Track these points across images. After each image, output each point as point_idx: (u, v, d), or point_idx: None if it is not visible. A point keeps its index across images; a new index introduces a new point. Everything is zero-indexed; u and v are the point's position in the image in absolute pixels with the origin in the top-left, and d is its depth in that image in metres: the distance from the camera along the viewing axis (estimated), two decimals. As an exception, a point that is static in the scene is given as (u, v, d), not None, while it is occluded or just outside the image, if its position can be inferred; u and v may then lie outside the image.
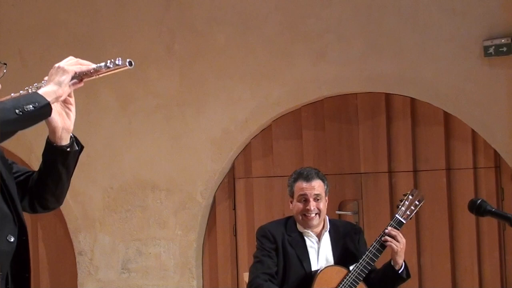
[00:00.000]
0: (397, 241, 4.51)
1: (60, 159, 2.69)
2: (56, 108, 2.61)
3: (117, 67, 2.60)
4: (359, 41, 6.41)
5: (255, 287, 4.56)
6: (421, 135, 6.35)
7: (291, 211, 4.75)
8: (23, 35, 7.21)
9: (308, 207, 4.62)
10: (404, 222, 4.60)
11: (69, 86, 2.60)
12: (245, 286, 4.95)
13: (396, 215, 4.61)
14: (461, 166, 6.25)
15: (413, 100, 6.34)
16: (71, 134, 2.71)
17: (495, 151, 6.14)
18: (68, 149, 2.68)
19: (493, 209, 3.43)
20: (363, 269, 4.51)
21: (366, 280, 4.58)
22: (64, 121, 2.66)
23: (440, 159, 6.28)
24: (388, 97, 6.42)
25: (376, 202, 6.43)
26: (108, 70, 2.61)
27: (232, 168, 6.89)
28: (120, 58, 2.59)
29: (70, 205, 7.15)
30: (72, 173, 2.77)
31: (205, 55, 6.84)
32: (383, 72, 6.34)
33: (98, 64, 2.63)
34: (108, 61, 2.61)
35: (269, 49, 6.66)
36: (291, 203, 4.73)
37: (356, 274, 4.50)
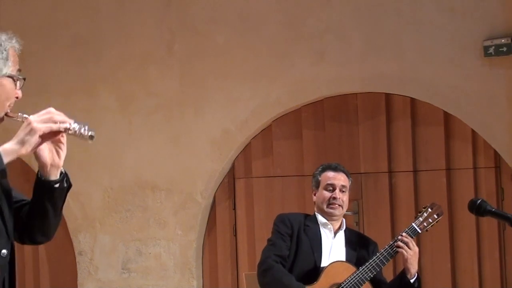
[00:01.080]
0: (409, 248, 4.53)
1: (47, 195, 2.64)
2: (46, 144, 2.57)
3: (81, 136, 2.57)
4: (359, 41, 6.41)
5: (265, 266, 4.60)
6: (421, 135, 6.35)
7: (314, 203, 4.79)
8: (23, 35, 7.19)
9: (334, 195, 4.69)
10: (420, 232, 4.64)
11: (33, 147, 2.50)
12: (245, 286, 4.96)
13: (413, 224, 4.65)
14: (461, 166, 6.25)
15: (413, 100, 6.34)
16: (63, 170, 2.66)
17: (495, 151, 6.14)
18: (56, 185, 2.63)
19: (493, 209, 3.43)
20: (372, 269, 4.54)
21: (373, 280, 4.60)
22: (53, 158, 2.61)
23: (440, 159, 6.28)
24: (388, 97, 6.42)
25: (376, 202, 6.43)
26: (74, 133, 2.56)
27: (232, 168, 6.89)
28: (86, 128, 2.57)
29: (70, 205, 7.14)
30: (60, 210, 2.71)
31: (205, 55, 6.84)
32: (383, 72, 6.34)
33: (70, 126, 2.56)
34: (82, 128, 2.56)
35: (269, 49, 6.66)
36: (314, 195, 4.78)
37: (363, 273, 4.53)
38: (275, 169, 6.68)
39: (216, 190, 6.90)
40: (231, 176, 6.89)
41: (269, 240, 4.76)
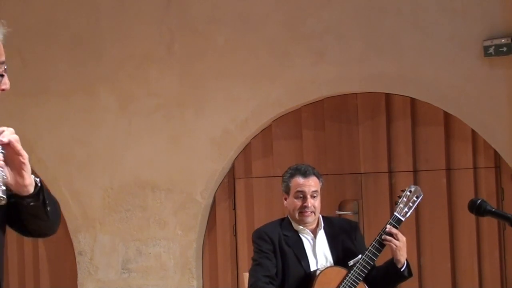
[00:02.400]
0: (397, 239, 4.49)
1: (25, 209, 2.48)
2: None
3: None
4: (359, 41, 6.41)
5: None
6: (421, 135, 6.35)
7: (286, 208, 4.71)
8: (23, 35, 7.20)
9: (305, 204, 4.58)
10: (403, 219, 4.55)
11: None
12: (245, 286, 4.95)
13: (395, 213, 4.57)
14: (461, 166, 6.25)
15: (413, 100, 6.34)
16: (38, 182, 2.47)
17: (495, 151, 6.14)
18: (30, 203, 2.46)
19: (493, 209, 3.43)
20: (363, 268, 4.48)
21: (366, 277, 4.57)
22: (15, 179, 2.42)
23: (440, 159, 6.28)
24: (388, 97, 6.42)
25: (376, 202, 6.43)
26: None
27: (232, 168, 6.88)
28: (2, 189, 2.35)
29: (70, 205, 7.15)
30: (47, 215, 2.52)
31: (205, 55, 6.84)
32: (383, 72, 6.34)
33: None
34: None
35: (269, 49, 6.66)
36: (286, 200, 4.68)
37: (356, 274, 4.48)
38: (275, 169, 6.68)
39: (216, 190, 6.90)
40: (231, 176, 6.89)
41: (253, 259, 4.66)
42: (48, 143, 7.22)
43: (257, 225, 6.66)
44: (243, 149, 6.84)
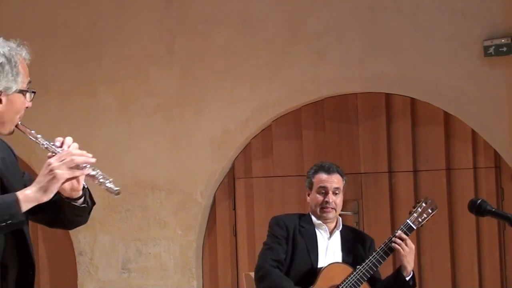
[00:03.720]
0: (406, 245, 4.52)
1: (70, 211, 2.66)
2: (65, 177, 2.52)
3: (107, 188, 2.54)
4: (359, 41, 6.41)
5: (263, 272, 4.57)
6: (421, 135, 6.35)
7: (308, 203, 4.77)
8: (23, 35, 7.19)
9: (327, 199, 4.66)
10: (414, 228, 4.63)
11: (54, 193, 2.46)
12: (245, 286, 4.95)
13: (407, 221, 4.62)
14: (461, 166, 6.25)
15: (413, 100, 6.34)
16: (85, 185, 2.64)
17: (495, 151, 6.14)
18: (77, 204, 2.64)
19: (493, 209, 3.43)
20: (368, 269, 4.52)
21: (371, 283, 4.59)
22: (72, 184, 2.58)
23: (440, 159, 6.28)
24: (388, 97, 6.42)
25: (376, 202, 6.43)
26: (99, 184, 2.52)
27: (232, 168, 6.88)
28: (112, 183, 2.55)
29: (70, 205, 7.15)
30: (88, 213, 2.72)
31: (205, 55, 6.84)
32: (383, 72, 6.34)
33: (96, 174, 2.53)
34: (107, 181, 2.54)
35: (269, 49, 6.66)
36: (308, 195, 4.75)
37: (360, 274, 4.51)
38: (275, 169, 6.68)
39: (216, 190, 6.90)
40: (231, 176, 6.89)
41: (265, 243, 4.72)
42: (48, 143, 7.21)
43: (257, 225, 6.69)
44: (243, 149, 6.84)
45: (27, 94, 2.69)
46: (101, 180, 2.53)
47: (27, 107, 2.70)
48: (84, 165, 2.51)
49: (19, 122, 2.67)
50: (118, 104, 7.10)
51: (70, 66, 7.18)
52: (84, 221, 2.79)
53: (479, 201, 3.44)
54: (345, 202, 6.50)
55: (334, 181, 4.70)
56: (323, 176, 4.70)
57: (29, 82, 2.71)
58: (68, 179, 2.49)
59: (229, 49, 6.77)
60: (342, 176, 4.76)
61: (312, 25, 6.54)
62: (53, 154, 2.54)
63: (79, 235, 7.19)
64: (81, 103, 7.14)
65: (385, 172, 6.40)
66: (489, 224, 6.13)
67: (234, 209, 6.86)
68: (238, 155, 6.85)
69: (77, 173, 2.50)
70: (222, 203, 6.90)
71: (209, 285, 6.96)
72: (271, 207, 6.63)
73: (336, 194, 4.69)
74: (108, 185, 2.53)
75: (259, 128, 6.76)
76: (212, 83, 6.82)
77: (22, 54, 2.73)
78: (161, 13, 6.96)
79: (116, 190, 2.55)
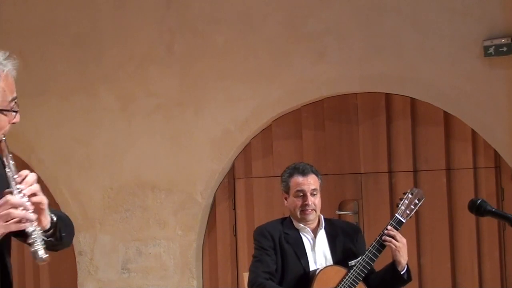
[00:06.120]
0: (397, 240, 4.50)
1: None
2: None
3: (34, 251, 2.44)
4: (359, 41, 6.41)
5: (256, 286, 4.55)
6: (421, 135, 6.35)
7: (287, 207, 4.73)
8: (23, 35, 7.21)
9: (306, 202, 4.61)
10: (404, 221, 4.59)
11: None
12: (245, 286, 4.95)
13: (396, 215, 4.59)
14: (461, 166, 6.25)
15: (413, 100, 6.34)
16: (54, 218, 2.59)
17: (495, 151, 6.14)
18: (48, 237, 2.58)
19: (493, 209, 3.42)
20: (363, 269, 4.50)
21: (365, 281, 4.57)
22: (39, 219, 2.51)
23: (440, 159, 6.28)
24: (388, 97, 6.42)
25: (376, 202, 6.43)
26: (29, 241, 2.43)
27: (232, 168, 6.88)
28: (41, 251, 2.44)
29: (70, 205, 7.15)
30: (61, 242, 2.68)
31: (205, 55, 6.84)
32: (383, 72, 6.34)
33: (32, 233, 2.43)
34: (38, 245, 2.43)
35: (269, 49, 6.66)
36: (286, 199, 4.70)
37: (355, 274, 4.49)
38: (275, 169, 6.68)
39: (216, 190, 6.90)
40: (231, 176, 6.89)
41: (254, 256, 4.69)
42: (48, 143, 7.22)
43: (257, 225, 6.65)
44: (243, 149, 6.84)
45: (11, 113, 2.53)
46: (33, 242, 2.42)
47: (14, 123, 2.58)
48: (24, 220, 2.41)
49: (4, 139, 2.57)
50: (118, 104, 7.10)
51: (70, 66, 7.18)
52: (64, 247, 2.75)
53: (479, 201, 3.44)
54: (345, 202, 6.54)
55: (311, 182, 4.64)
56: (299, 178, 4.64)
57: (14, 99, 2.54)
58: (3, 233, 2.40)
59: (229, 49, 6.77)
60: (317, 175, 4.69)
61: (312, 25, 6.54)
62: (10, 190, 2.45)
63: (79, 235, 7.18)
64: (81, 103, 7.14)
65: (385, 172, 6.40)
66: (489, 224, 6.13)
67: (234, 209, 6.86)
68: (238, 155, 6.86)
69: (12, 227, 2.41)
70: (222, 203, 6.90)
71: (209, 285, 6.96)
72: (271, 207, 6.63)
73: (314, 195, 4.63)
74: (37, 248, 2.41)
75: (259, 128, 6.76)
76: (212, 83, 6.82)
77: (5, 70, 2.50)
78: (161, 13, 6.96)
79: (42, 258, 2.43)
